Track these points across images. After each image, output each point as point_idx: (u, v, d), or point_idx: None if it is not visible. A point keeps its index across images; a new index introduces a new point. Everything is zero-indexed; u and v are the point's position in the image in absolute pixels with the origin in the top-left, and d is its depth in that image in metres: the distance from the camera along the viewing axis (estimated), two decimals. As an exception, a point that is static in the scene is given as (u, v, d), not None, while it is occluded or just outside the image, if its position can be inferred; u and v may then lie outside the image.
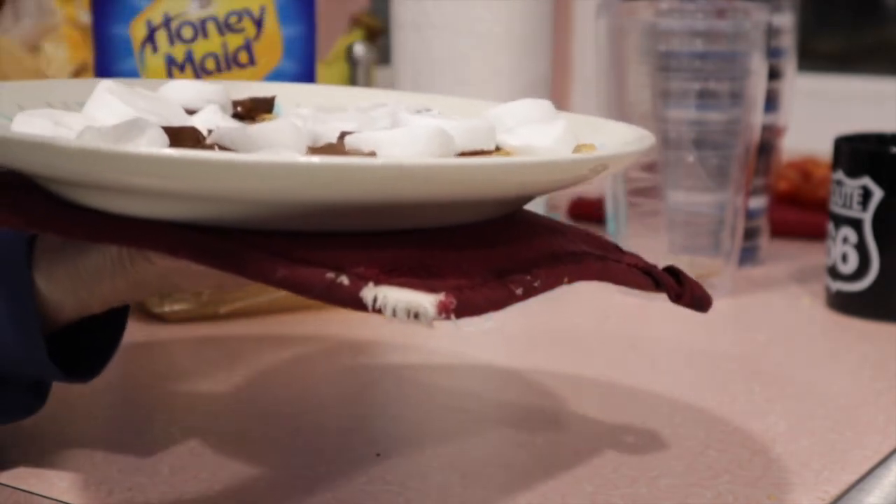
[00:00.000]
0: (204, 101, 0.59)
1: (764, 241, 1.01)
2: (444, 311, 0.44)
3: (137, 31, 0.80)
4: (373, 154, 0.49)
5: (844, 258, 0.87)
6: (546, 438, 0.66)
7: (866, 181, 0.86)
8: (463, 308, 0.44)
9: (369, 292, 0.44)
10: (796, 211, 1.12)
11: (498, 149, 0.54)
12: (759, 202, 0.99)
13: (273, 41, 0.82)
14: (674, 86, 0.89)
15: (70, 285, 0.56)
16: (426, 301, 0.44)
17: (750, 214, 0.97)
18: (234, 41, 0.81)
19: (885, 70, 1.58)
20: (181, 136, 0.51)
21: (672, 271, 0.56)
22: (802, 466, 0.62)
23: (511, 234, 0.51)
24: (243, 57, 0.82)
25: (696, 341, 0.82)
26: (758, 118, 0.91)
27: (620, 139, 0.58)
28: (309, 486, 0.59)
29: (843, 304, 0.88)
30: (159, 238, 0.47)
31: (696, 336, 0.83)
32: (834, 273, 0.88)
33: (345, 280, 0.44)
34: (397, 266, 0.45)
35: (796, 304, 0.92)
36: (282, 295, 0.83)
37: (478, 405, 0.71)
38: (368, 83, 1.25)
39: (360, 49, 1.24)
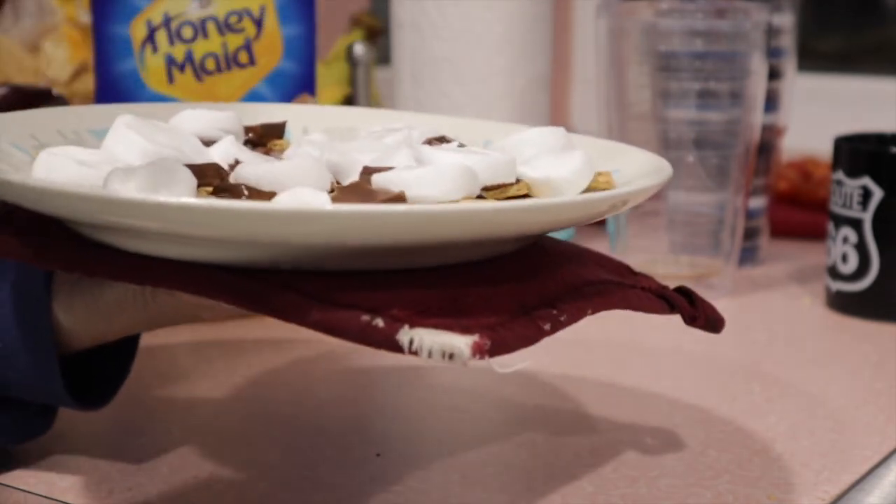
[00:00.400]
0: (217, 130, 0.59)
1: (764, 241, 1.01)
2: (479, 352, 0.44)
3: (137, 31, 0.80)
4: (402, 195, 0.49)
5: (844, 258, 0.87)
6: (546, 438, 0.66)
7: (866, 181, 0.86)
8: (496, 347, 0.45)
9: (405, 335, 0.45)
10: (796, 211, 1.12)
11: (518, 181, 0.54)
12: (759, 202, 0.99)
13: (273, 41, 0.82)
14: (674, 86, 0.89)
15: (88, 316, 0.56)
16: (461, 342, 0.44)
17: (750, 214, 0.97)
18: (234, 41, 0.81)
19: (885, 70, 1.58)
20: (205, 174, 0.51)
21: (684, 292, 0.56)
22: (802, 466, 0.62)
23: (533, 265, 0.51)
24: (243, 57, 0.82)
25: (695, 341, 0.82)
26: (758, 118, 0.91)
27: (636, 167, 0.59)
28: (309, 486, 0.59)
29: (843, 304, 0.88)
30: (190, 279, 0.47)
31: (695, 336, 0.83)
32: (834, 273, 0.88)
33: (380, 322, 0.45)
34: (429, 305, 0.46)
35: (796, 304, 0.92)
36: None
37: (478, 405, 0.71)
38: (368, 83, 1.25)
39: (360, 49, 1.24)
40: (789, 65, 1.00)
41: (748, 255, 0.99)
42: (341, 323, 0.45)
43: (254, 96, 0.82)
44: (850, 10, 1.85)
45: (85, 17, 0.98)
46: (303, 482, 0.59)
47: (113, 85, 0.81)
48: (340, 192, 0.50)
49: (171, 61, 0.80)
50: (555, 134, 0.59)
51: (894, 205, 0.85)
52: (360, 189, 0.50)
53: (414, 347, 0.44)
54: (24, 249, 0.50)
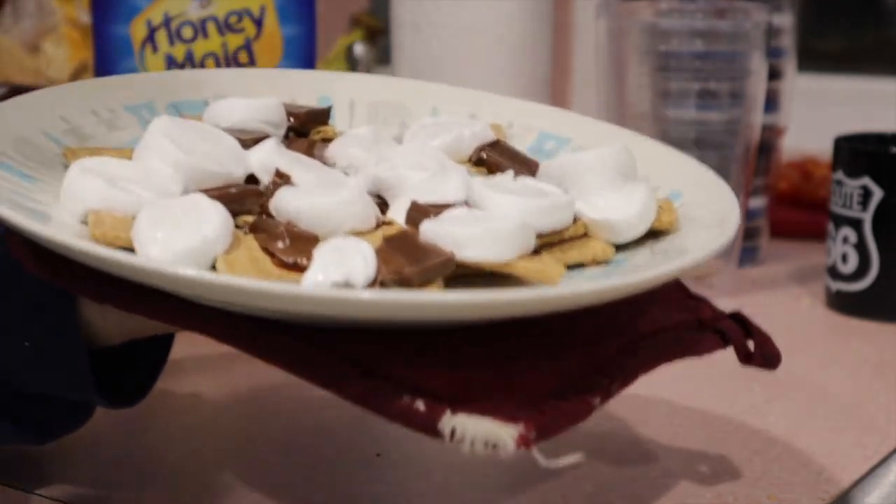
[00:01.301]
0: (257, 122, 0.58)
1: (764, 241, 1.01)
2: (523, 444, 0.43)
3: (137, 31, 0.80)
4: (451, 259, 0.47)
5: (844, 258, 0.87)
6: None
7: (866, 181, 0.86)
8: (542, 434, 0.44)
9: (447, 423, 0.44)
10: (796, 211, 1.12)
11: (576, 219, 0.53)
12: (759, 202, 0.99)
13: (273, 41, 0.82)
14: (674, 86, 0.89)
15: (118, 316, 0.55)
16: (505, 434, 0.43)
17: (750, 214, 0.97)
18: (234, 41, 0.81)
19: (885, 70, 1.57)
20: (244, 200, 0.51)
21: (738, 319, 0.54)
22: (802, 466, 0.62)
23: (583, 325, 0.49)
24: (243, 57, 0.82)
25: (696, 341, 0.82)
26: (758, 118, 0.91)
27: (697, 193, 0.56)
28: (309, 486, 0.59)
29: (843, 304, 0.88)
30: (229, 331, 0.47)
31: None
32: (834, 273, 0.88)
33: (421, 406, 0.44)
34: (472, 385, 0.45)
35: (796, 304, 0.92)
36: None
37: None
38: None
39: (360, 49, 1.24)
40: (789, 65, 1.00)
41: (748, 255, 0.99)
42: (381, 402, 0.45)
43: (254, 96, 0.81)
44: (850, 10, 1.85)
45: (85, 17, 0.98)
46: (303, 482, 0.59)
47: (113, 85, 0.81)
48: (386, 245, 0.47)
49: (171, 61, 0.80)
50: (615, 156, 0.56)
51: (894, 205, 0.85)
52: (408, 242, 0.48)
53: (456, 437, 0.43)
54: (58, 276, 0.49)
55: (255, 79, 0.64)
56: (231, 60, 0.81)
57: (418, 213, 0.50)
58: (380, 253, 0.47)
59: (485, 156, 0.59)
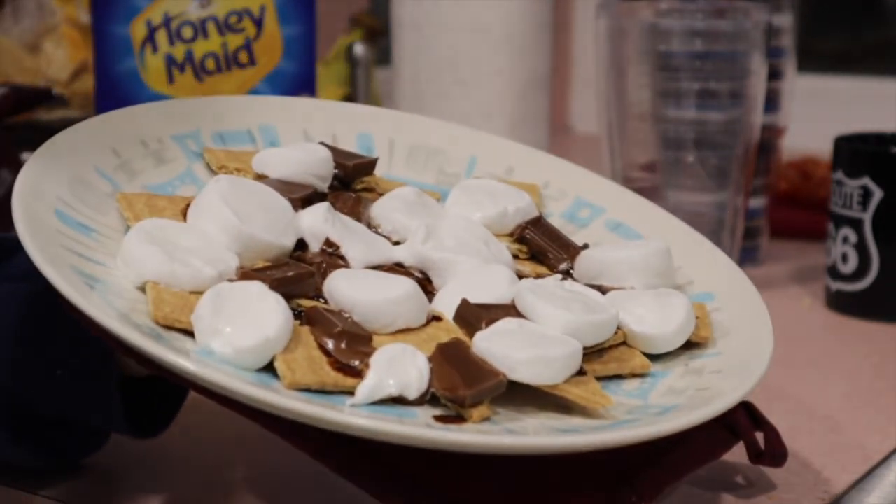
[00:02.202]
0: (306, 175, 0.58)
1: (764, 241, 1.01)
2: None
3: (137, 31, 0.80)
4: (503, 379, 0.49)
5: (844, 258, 0.87)
6: (546, 438, 0.66)
7: (866, 181, 0.86)
8: None
9: None
10: (796, 211, 1.12)
11: (618, 330, 0.54)
12: (759, 202, 0.99)
13: (273, 41, 0.82)
14: (674, 86, 0.89)
15: None
16: None
17: (750, 214, 0.97)
18: (234, 41, 0.81)
19: (885, 70, 1.58)
20: (302, 284, 0.51)
21: (748, 408, 0.57)
22: (802, 466, 0.62)
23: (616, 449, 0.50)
24: (243, 57, 0.82)
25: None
26: (758, 118, 0.91)
27: (727, 286, 0.59)
28: (309, 486, 0.59)
29: (843, 304, 0.88)
30: (280, 425, 0.48)
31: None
32: (834, 273, 0.88)
33: None
34: None
35: (796, 304, 0.92)
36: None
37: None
38: (368, 83, 1.25)
39: (360, 49, 1.24)
40: (789, 65, 1.00)
41: (748, 255, 0.99)
42: None
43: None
44: (850, 10, 1.85)
45: (85, 17, 0.98)
46: (303, 482, 0.59)
47: (113, 85, 0.81)
48: (440, 355, 0.49)
49: (171, 61, 0.80)
50: (656, 258, 0.58)
51: (894, 205, 0.85)
52: (461, 357, 0.49)
53: None
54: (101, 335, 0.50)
55: (296, 109, 0.65)
56: (231, 60, 0.81)
57: (469, 314, 0.52)
58: (433, 364, 0.49)
59: (528, 235, 0.60)
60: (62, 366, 0.55)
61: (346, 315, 0.51)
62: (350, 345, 0.49)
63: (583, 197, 0.65)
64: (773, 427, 0.57)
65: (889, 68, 1.57)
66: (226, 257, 0.52)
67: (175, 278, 0.50)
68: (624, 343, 0.55)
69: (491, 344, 0.50)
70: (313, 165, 0.59)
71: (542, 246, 0.59)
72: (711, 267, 0.61)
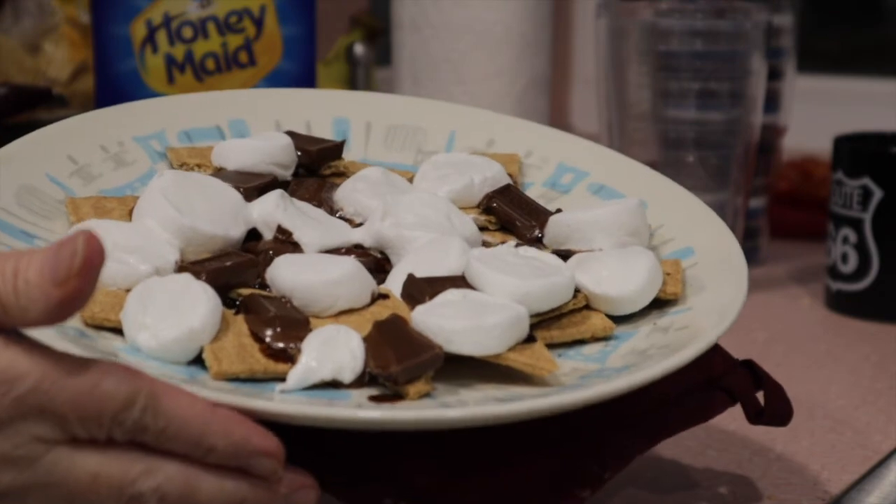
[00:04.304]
0: (265, 164, 0.57)
1: (764, 241, 1.01)
2: None
3: (137, 31, 0.80)
4: (440, 352, 0.47)
5: (844, 258, 0.87)
6: (546, 438, 0.66)
7: (866, 181, 0.86)
8: None
9: None
10: (796, 211, 1.12)
11: (577, 292, 0.52)
12: (759, 202, 0.99)
13: (273, 41, 0.82)
14: (674, 86, 0.89)
15: None
16: None
17: (750, 214, 0.97)
18: (234, 41, 0.81)
19: (885, 70, 1.58)
20: (242, 273, 0.51)
21: (749, 366, 0.54)
22: (802, 466, 0.62)
23: (572, 415, 0.48)
24: (243, 57, 0.82)
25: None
26: (758, 118, 0.91)
27: (709, 241, 0.56)
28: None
29: (843, 304, 0.88)
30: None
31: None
32: (834, 273, 0.88)
33: None
34: (458, 488, 0.46)
35: (796, 304, 0.92)
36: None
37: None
38: (368, 83, 1.25)
39: (360, 49, 1.24)
40: (789, 65, 1.00)
41: (748, 255, 0.98)
42: (363, 501, 0.45)
43: (254, 96, 0.81)
44: (850, 10, 1.85)
45: (85, 17, 0.98)
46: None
47: (113, 85, 0.81)
48: (375, 333, 0.48)
49: (171, 61, 0.80)
50: (627, 216, 0.55)
51: (894, 205, 0.85)
52: (398, 333, 0.48)
53: None
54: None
55: (268, 99, 0.64)
56: (231, 60, 0.81)
57: (415, 289, 0.50)
58: (369, 343, 0.47)
59: (495, 205, 0.58)
60: None
61: (285, 300, 0.49)
62: (284, 330, 0.48)
63: (565, 162, 0.62)
64: (778, 384, 0.54)
65: (889, 68, 1.57)
66: (164, 252, 0.51)
67: (108, 277, 0.49)
68: (586, 307, 0.52)
69: (428, 317, 0.48)
70: (272, 154, 0.57)
71: (509, 214, 0.57)
72: (694, 224, 0.58)
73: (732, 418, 0.68)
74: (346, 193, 0.57)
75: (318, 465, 0.46)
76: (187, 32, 0.80)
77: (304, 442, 0.45)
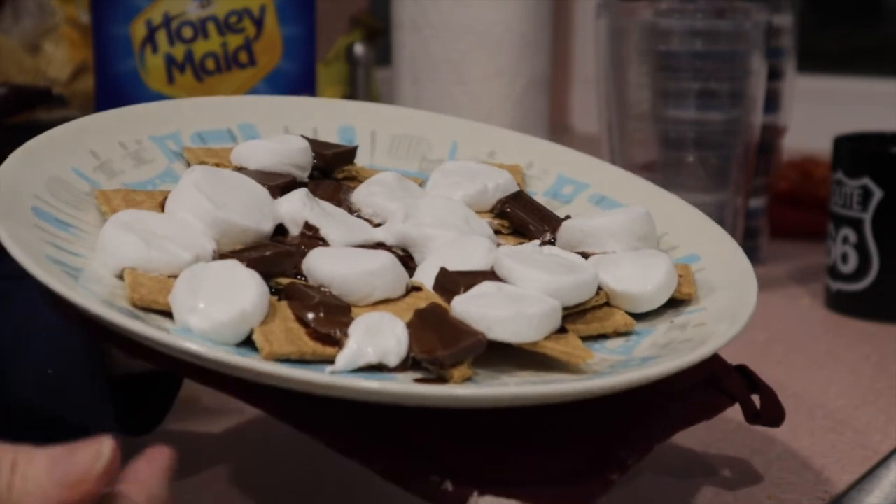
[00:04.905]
0: (283, 164, 0.58)
1: (764, 241, 1.01)
2: None
3: (137, 31, 0.80)
4: (482, 338, 0.48)
5: (844, 258, 0.87)
6: (546, 438, 0.66)
7: (866, 181, 0.86)
8: None
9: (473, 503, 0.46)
10: (796, 211, 1.12)
11: (598, 290, 0.54)
12: (759, 202, 0.99)
13: (273, 41, 0.82)
14: (674, 86, 0.89)
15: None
16: None
17: (750, 214, 0.97)
18: (234, 41, 0.81)
19: (885, 70, 1.58)
20: (280, 263, 0.52)
21: (743, 372, 0.57)
22: (802, 466, 0.62)
23: (598, 403, 0.50)
24: (243, 57, 0.82)
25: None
26: (758, 118, 0.91)
27: (713, 247, 0.59)
28: (309, 486, 0.59)
29: (843, 304, 0.88)
30: (263, 399, 0.48)
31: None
32: (834, 273, 0.88)
33: (449, 486, 0.47)
34: (497, 467, 0.48)
35: (796, 304, 0.92)
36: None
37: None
38: (368, 83, 1.25)
39: (360, 49, 1.24)
40: (789, 65, 1.00)
41: (748, 255, 0.99)
42: (409, 479, 0.47)
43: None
44: (850, 10, 1.86)
45: (85, 17, 0.98)
46: (303, 482, 0.59)
47: (113, 85, 0.81)
48: (418, 320, 0.49)
49: (171, 61, 0.80)
50: (637, 222, 0.57)
51: (894, 205, 0.85)
52: (439, 320, 0.49)
53: None
54: (89, 325, 0.50)
55: (277, 106, 0.65)
56: (231, 60, 0.81)
57: (448, 281, 0.52)
58: (412, 329, 0.49)
59: (508, 209, 0.60)
60: (51, 365, 0.55)
61: (325, 290, 0.51)
62: (328, 315, 0.49)
63: (565, 174, 0.65)
64: (771, 389, 0.57)
65: (889, 68, 1.57)
66: (202, 241, 0.52)
67: (152, 263, 0.50)
68: (607, 304, 0.55)
69: (468, 306, 0.49)
70: (291, 155, 0.59)
71: (523, 219, 0.59)
72: (697, 231, 0.61)
73: (732, 418, 0.68)
74: (364, 196, 0.59)
75: (365, 447, 0.47)
76: (187, 32, 0.80)
77: (350, 424, 0.47)
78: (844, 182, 0.87)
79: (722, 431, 0.66)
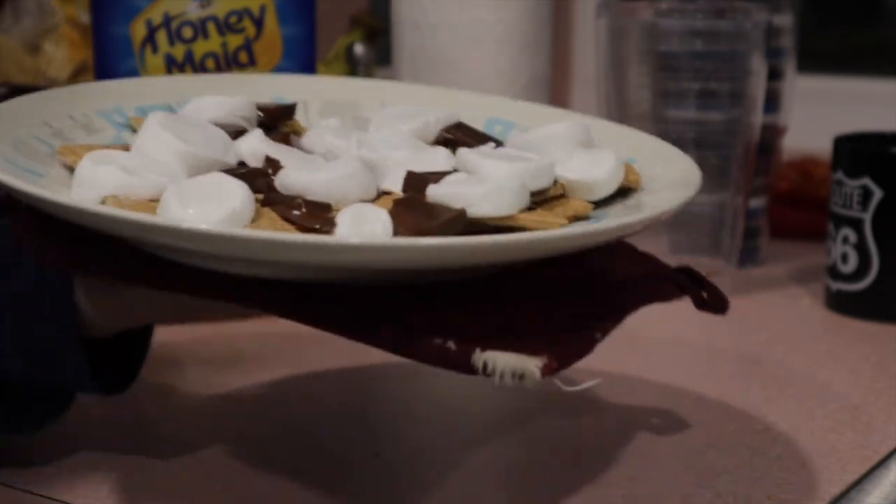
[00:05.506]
0: (231, 117, 0.59)
1: (764, 241, 1.01)
2: (549, 372, 0.47)
3: (137, 31, 0.80)
4: (463, 213, 0.50)
5: (844, 258, 0.87)
6: (545, 439, 0.66)
7: (866, 181, 0.86)
8: (561, 364, 0.48)
9: (478, 358, 0.47)
10: (796, 211, 1.12)
11: (555, 181, 0.56)
12: (759, 202, 0.99)
13: (273, 41, 0.82)
14: (674, 86, 0.89)
15: (109, 307, 0.56)
16: (531, 364, 0.47)
17: (750, 214, 0.97)
18: (234, 41, 0.81)
19: (885, 70, 1.58)
20: (254, 180, 0.53)
21: (688, 272, 0.58)
22: (802, 466, 0.62)
23: (574, 272, 0.53)
24: (243, 57, 0.82)
25: (695, 341, 0.82)
26: (758, 118, 0.91)
27: (650, 151, 0.62)
28: (309, 486, 0.59)
29: (843, 304, 0.88)
30: (253, 295, 0.49)
31: (695, 336, 0.83)
32: (834, 273, 0.88)
33: (452, 345, 0.47)
34: (496, 325, 0.49)
35: (796, 304, 0.92)
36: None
37: (477, 405, 0.71)
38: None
39: (360, 49, 1.24)
40: (789, 65, 1.00)
41: (748, 255, 0.99)
42: (413, 344, 0.48)
43: (254, 96, 0.81)
44: (850, 10, 1.86)
45: (85, 17, 0.98)
46: (303, 482, 0.59)
47: (113, 85, 0.81)
48: (398, 207, 0.51)
49: (171, 61, 0.80)
50: (577, 130, 0.60)
51: (894, 205, 0.85)
52: (418, 203, 0.51)
53: (488, 370, 0.47)
54: (75, 260, 0.51)
55: (212, 83, 0.67)
56: (231, 60, 0.81)
57: (417, 180, 0.54)
58: (394, 215, 0.50)
59: (451, 136, 0.61)
60: (24, 326, 0.55)
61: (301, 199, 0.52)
62: (312, 212, 0.50)
63: (493, 116, 0.67)
64: (714, 284, 0.58)
65: (889, 68, 1.57)
66: (175, 171, 0.53)
67: (133, 188, 0.51)
68: (563, 195, 0.57)
69: (444, 189, 0.52)
70: (239, 108, 0.60)
71: (468, 143, 0.61)
72: (635, 141, 0.63)
73: (732, 419, 0.68)
74: (314, 137, 0.60)
75: (366, 325, 0.48)
76: (187, 32, 0.80)
77: (347, 310, 0.48)
78: (844, 182, 0.87)
79: (722, 432, 0.66)
